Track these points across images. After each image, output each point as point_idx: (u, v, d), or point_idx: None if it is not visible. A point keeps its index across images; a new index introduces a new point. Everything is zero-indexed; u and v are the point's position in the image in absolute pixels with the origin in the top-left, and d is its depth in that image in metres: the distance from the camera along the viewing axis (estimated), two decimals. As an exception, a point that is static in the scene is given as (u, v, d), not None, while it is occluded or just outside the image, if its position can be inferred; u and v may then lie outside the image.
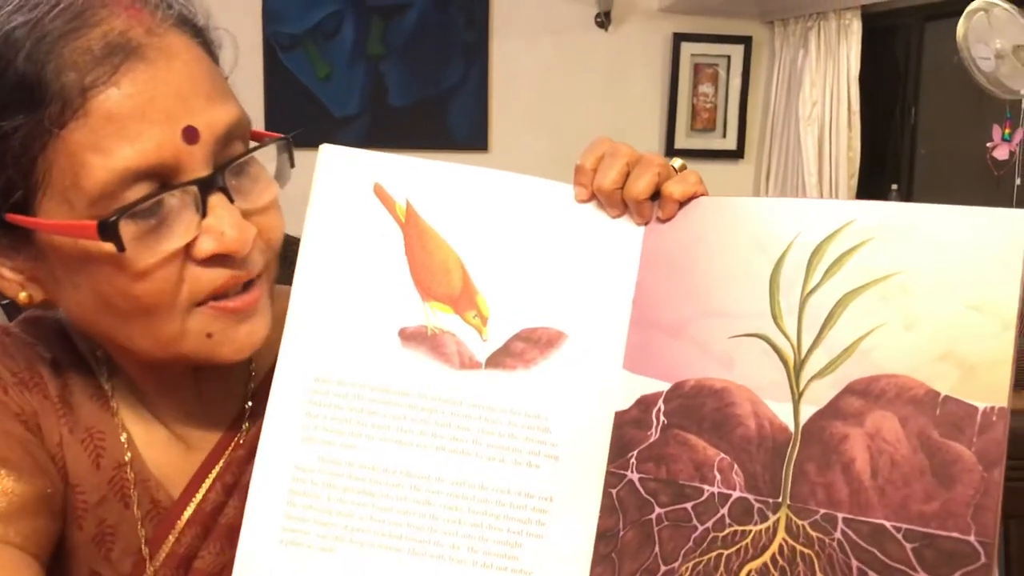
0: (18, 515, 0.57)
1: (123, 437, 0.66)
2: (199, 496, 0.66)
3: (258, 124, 0.63)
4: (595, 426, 0.61)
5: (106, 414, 0.66)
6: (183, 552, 0.65)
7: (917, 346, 0.51)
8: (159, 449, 0.67)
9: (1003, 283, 0.50)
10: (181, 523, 0.65)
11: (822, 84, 3.41)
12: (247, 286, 0.61)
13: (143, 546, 0.65)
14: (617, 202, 0.61)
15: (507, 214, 0.62)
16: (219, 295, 0.59)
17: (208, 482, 0.67)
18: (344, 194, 0.62)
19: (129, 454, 0.66)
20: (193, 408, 0.68)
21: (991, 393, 0.49)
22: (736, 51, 3.68)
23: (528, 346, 0.61)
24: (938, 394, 0.50)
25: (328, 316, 0.61)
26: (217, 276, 0.58)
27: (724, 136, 3.76)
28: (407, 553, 0.59)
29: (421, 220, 0.62)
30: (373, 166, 0.63)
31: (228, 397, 0.69)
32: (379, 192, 0.63)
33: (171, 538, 0.65)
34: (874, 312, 0.53)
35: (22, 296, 0.61)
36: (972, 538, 0.48)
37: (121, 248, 0.55)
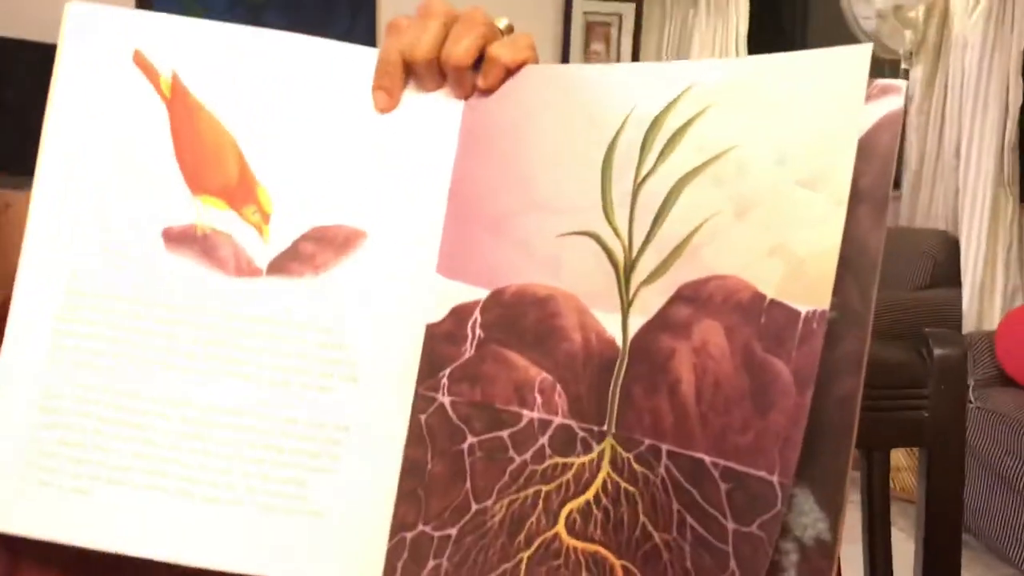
0: None
1: None
2: None
3: None
4: (402, 341, 0.51)
5: None
6: None
7: (748, 238, 0.41)
8: None
9: (838, 144, 0.39)
10: None
11: (711, 44, 3.43)
12: None
13: None
14: (433, 71, 0.51)
15: (296, 86, 0.51)
16: None
17: None
18: (97, 63, 0.51)
19: None
20: None
21: (814, 293, 0.39)
22: (628, 10, 3.64)
23: (319, 248, 0.51)
24: (764, 297, 0.40)
25: (78, 214, 0.51)
26: None
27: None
28: (175, 494, 0.50)
29: (190, 95, 0.51)
30: (133, 28, 0.51)
31: None
32: (139, 61, 0.51)
33: None
34: (708, 199, 0.42)
35: None
36: (775, 478, 0.38)
37: None
